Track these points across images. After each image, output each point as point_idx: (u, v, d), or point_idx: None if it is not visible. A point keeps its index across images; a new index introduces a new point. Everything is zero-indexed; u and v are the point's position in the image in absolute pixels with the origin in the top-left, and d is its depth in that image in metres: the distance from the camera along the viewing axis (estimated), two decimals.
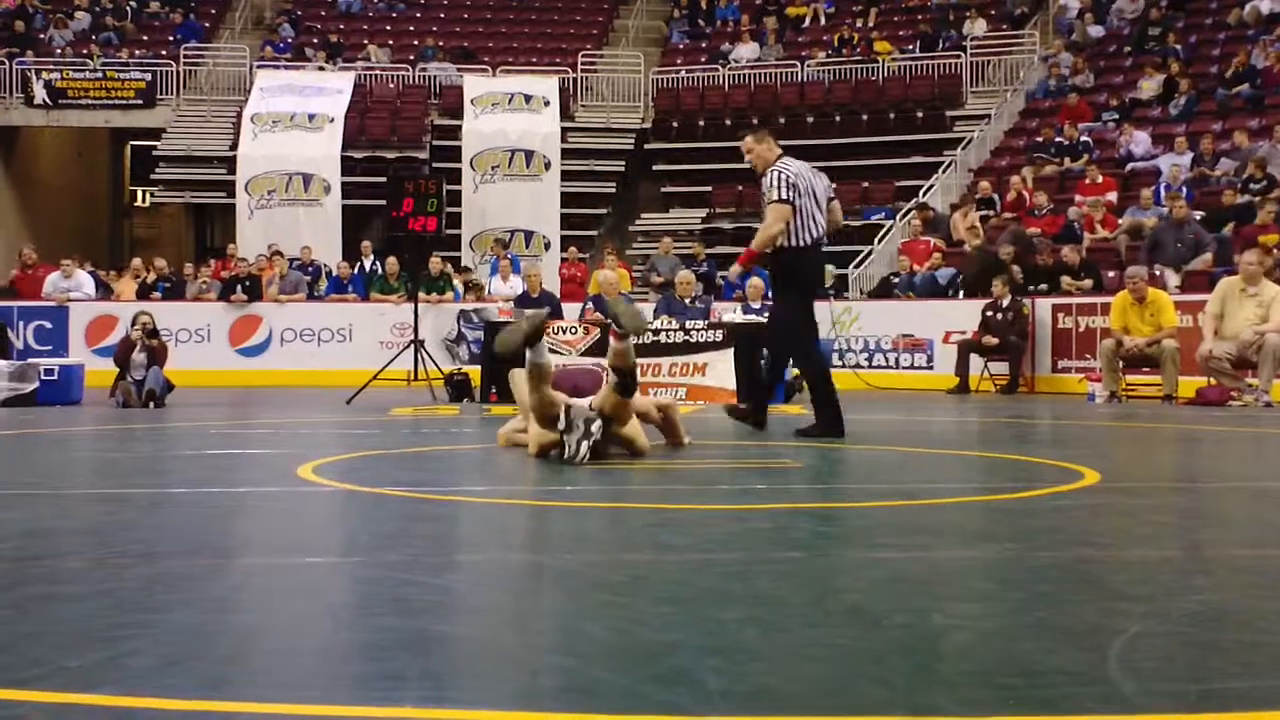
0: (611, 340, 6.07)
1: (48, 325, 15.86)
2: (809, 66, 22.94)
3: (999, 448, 7.58)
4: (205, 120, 22.70)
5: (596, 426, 5.75)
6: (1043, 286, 14.86)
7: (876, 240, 18.31)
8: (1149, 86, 19.46)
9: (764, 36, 24.25)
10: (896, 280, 16.47)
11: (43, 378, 11.32)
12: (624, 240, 21.16)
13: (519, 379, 6.46)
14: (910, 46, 23.17)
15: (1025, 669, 2.26)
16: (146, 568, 3.29)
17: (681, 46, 25.12)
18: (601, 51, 24.64)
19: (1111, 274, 14.70)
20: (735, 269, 7.70)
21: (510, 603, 2.94)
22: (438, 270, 16.75)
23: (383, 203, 14.46)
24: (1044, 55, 21.56)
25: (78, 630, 2.56)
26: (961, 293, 15.50)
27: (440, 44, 24.52)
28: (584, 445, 5.70)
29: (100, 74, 22.83)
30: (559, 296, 15.13)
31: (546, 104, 20.94)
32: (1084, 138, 18.68)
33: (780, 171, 7.51)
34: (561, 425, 5.78)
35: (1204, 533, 4.19)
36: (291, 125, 20.39)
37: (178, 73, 23.03)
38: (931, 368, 15.13)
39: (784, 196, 7.42)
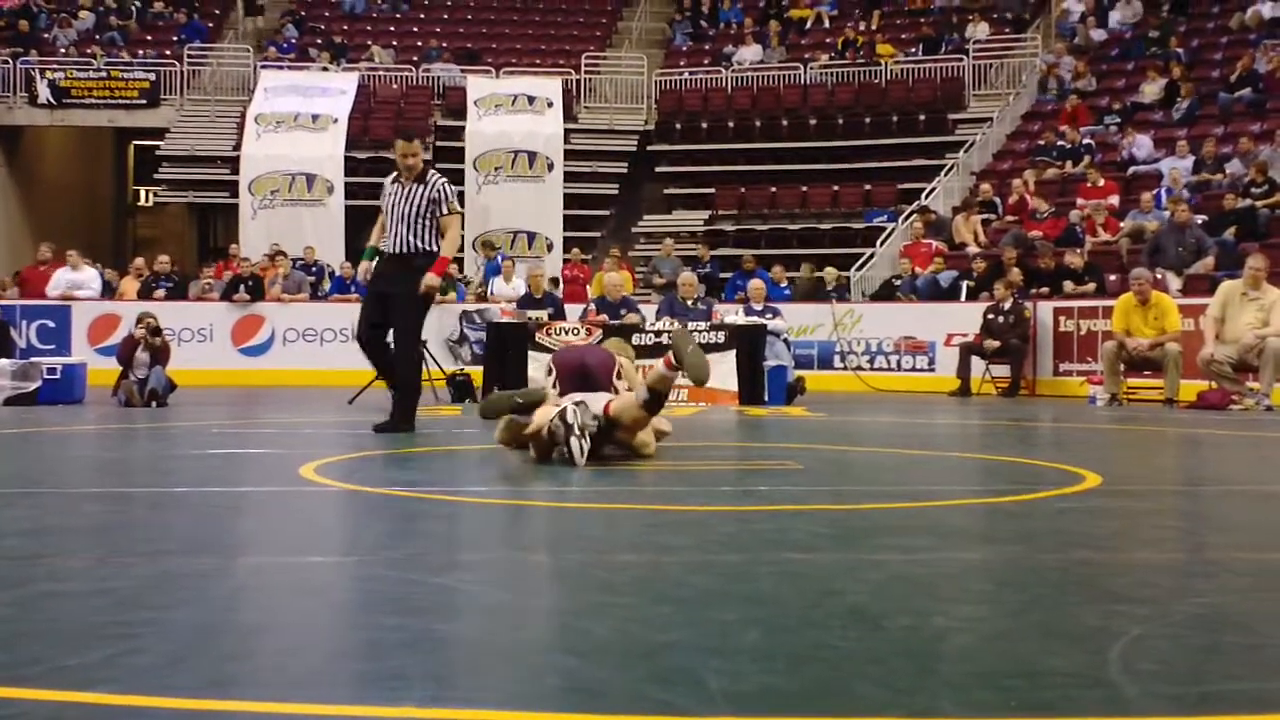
0: (662, 365, 5.94)
1: (50, 324, 15.88)
2: (812, 69, 22.94)
3: (1000, 450, 7.58)
4: (209, 120, 22.71)
5: (587, 423, 5.71)
6: (1044, 289, 14.87)
7: (878, 243, 18.31)
8: (1151, 90, 19.46)
9: (767, 39, 24.25)
10: (898, 283, 16.48)
11: (45, 376, 11.33)
12: (626, 242, 21.16)
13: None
14: (913, 49, 23.17)
15: (1026, 671, 2.27)
16: (149, 566, 3.29)
17: (684, 48, 25.13)
18: (604, 53, 24.65)
19: (1113, 277, 14.71)
20: (435, 280, 7.94)
21: (512, 602, 2.94)
22: None
23: None
24: (1046, 58, 21.56)
25: (80, 628, 2.57)
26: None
27: (444, 45, 24.53)
28: (580, 445, 5.67)
29: (104, 74, 22.85)
30: (561, 298, 15.14)
31: (550, 105, 20.96)
32: (1086, 141, 18.69)
33: (447, 182, 8.02)
34: (555, 424, 5.75)
35: (1205, 536, 4.19)
36: (295, 126, 20.41)
37: (181, 73, 23.04)
38: (933, 370, 15.13)
39: (460, 207, 8.04)
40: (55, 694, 2.07)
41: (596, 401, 6.01)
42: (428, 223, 7.88)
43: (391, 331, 8.08)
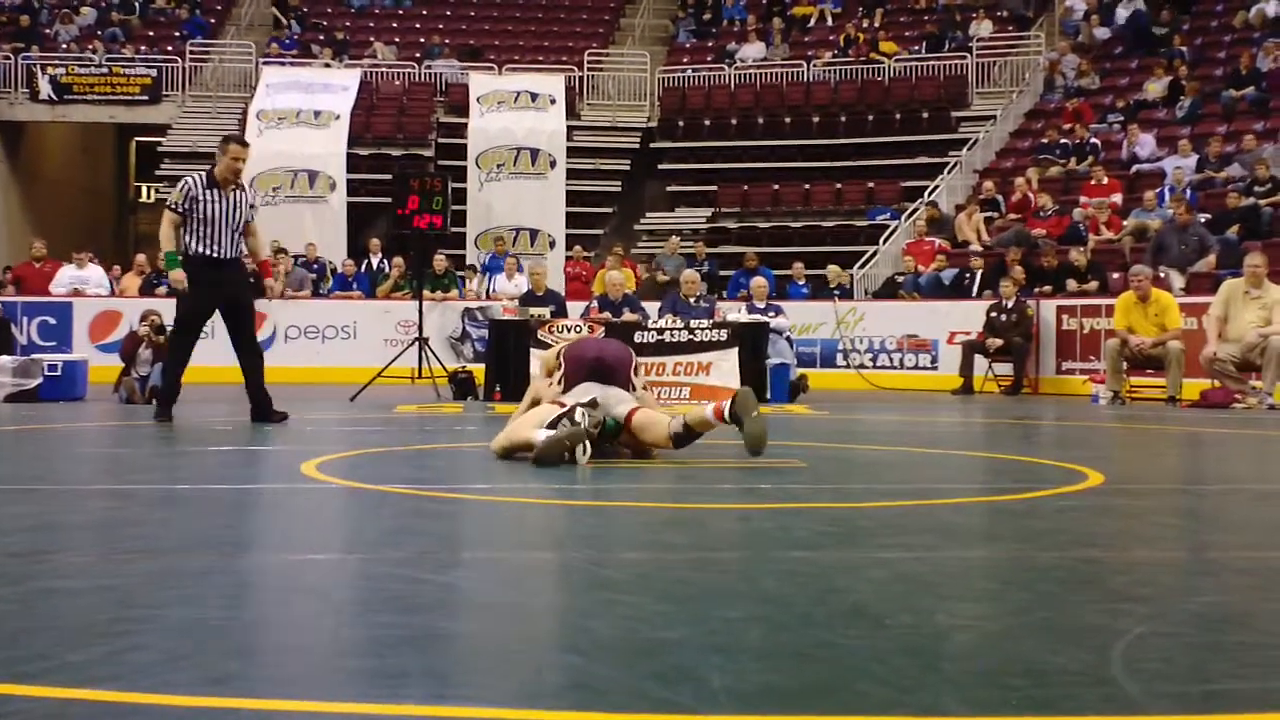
0: (711, 413, 5.77)
1: (51, 321, 15.89)
2: (815, 66, 22.94)
3: (1003, 448, 7.58)
4: (211, 116, 22.70)
5: (590, 429, 5.68)
6: (1047, 288, 14.86)
7: (881, 240, 18.30)
8: (1155, 88, 19.45)
9: (770, 36, 24.24)
10: (901, 280, 16.47)
11: (46, 373, 11.33)
12: (629, 239, 21.16)
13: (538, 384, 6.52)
14: (916, 47, 23.16)
15: (1029, 669, 2.26)
16: (150, 563, 3.29)
17: (688, 46, 25.12)
18: (608, 50, 24.64)
19: (1116, 275, 14.70)
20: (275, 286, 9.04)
21: (514, 600, 2.94)
22: (442, 268, 16.78)
23: (388, 200, 14.47)
24: (1049, 56, 21.54)
25: (81, 625, 2.56)
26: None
27: (446, 42, 24.53)
28: (584, 447, 5.66)
29: (106, 69, 22.86)
30: (564, 295, 15.14)
31: (552, 102, 20.95)
32: (1090, 139, 18.67)
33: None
34: (563, 426, 5.72)
35: (1207, 535, 4.19)
36: (297, 122, 20.39)
37: (183, 69, 23.05)
38: (936, 368, 15.13)
39: None
40: (57, 690, 2.07)
41: (617, 402, 5.96)
42: (244, 228, 8.33)
43: (240, 335, 8.57)
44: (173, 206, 8.25)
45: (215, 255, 8.18)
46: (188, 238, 8.21)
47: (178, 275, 8.24)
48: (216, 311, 8.52)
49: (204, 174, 8.31)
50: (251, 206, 8.38)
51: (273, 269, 16.70)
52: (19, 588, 2.95)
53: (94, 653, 2.32)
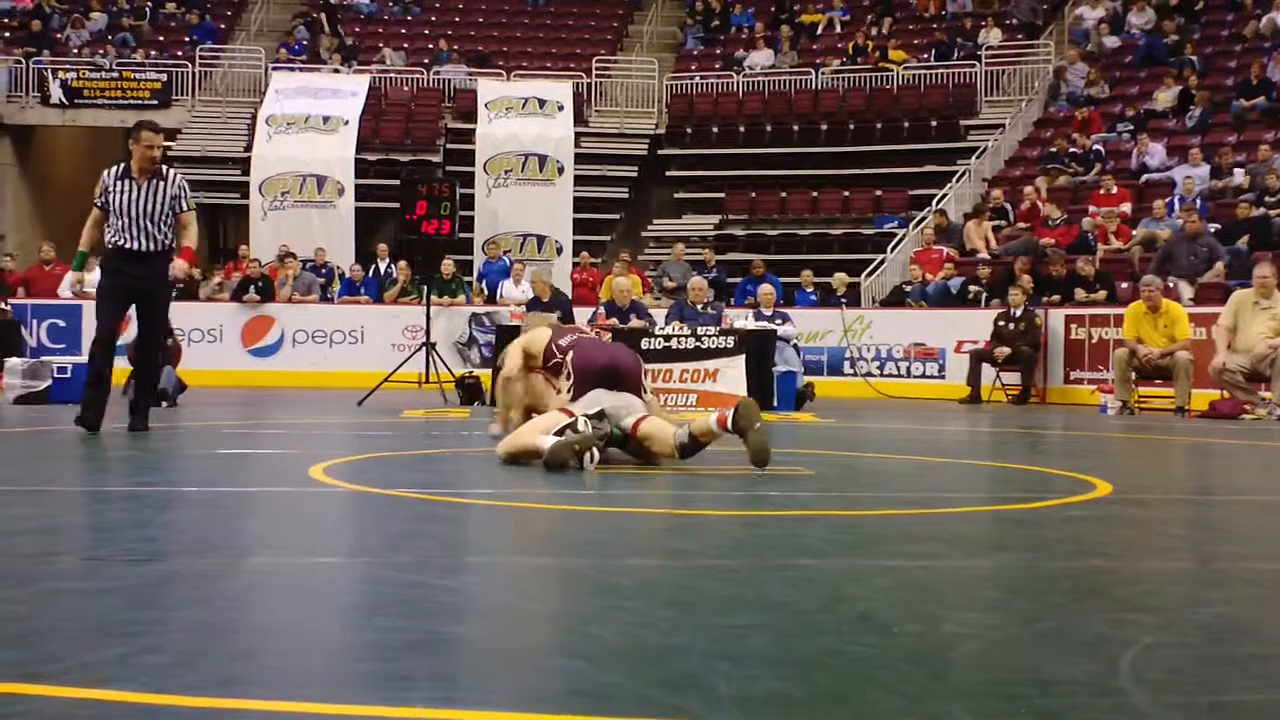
0: (715, 423, 5.76)
1: (61, 323, 15.93)
2: (823, 74, 22.93)
3: (1011, 458, 7.57)
4: (220, 121, 22.75)
5: (596, 441, 5.69)
6: (1055, 297, 14.84)
7: (889, 249, 18.28)
8: (1165, 98, 19.42)
9: (778, 43, 24.24)
10: (909, 289, 16.46)
11: (55, 375, 11.36)
12: (636, 246, 21.16)
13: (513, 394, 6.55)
14: (925, 55, 23.14)
15: (1037, 678, 2.26)
16: (159, 566, 3.30)
17: (696, 53, 25.12)
18: (616, 57, 24.66)
19: (1125, 285, 14.68)
20: (187, 266, 8.17)
21: (519, 605, 2.94)
22: (450, 273, 16.79)
23: (396, 205, 14.49)
24: (1059, 65, 21.52)
25: (92, 627, 2.57)
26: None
27: (455, 48, 24.56)
28: (591, 456, 5.66)
29: (116, 74, 22.90)
30: (570, 300, 15.13)
31: (560, 109, 20.97)
32: (1098, 148, 18.65)
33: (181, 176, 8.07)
34: (568, 436, 5.72)
35: (1216, 545, 4.18)
36: (306, 127, 20.43)
37: (193, 74, 23.10)
38: (943, 377, 15.11)
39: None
40: (67, 691, 2.07)
41: (627, 412, 5.96)
42: (171, 219, 7.89)
43: (144, 329, 8.17)
44: (95, 201, 8.01)
45: (125, 246, 7.79)
46: (106, 229, 7.91)
47: (74, 276, 8.19)
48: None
49: (121, 165, 8.04)
50: (175, 197, 7.90)
51: (278, 272, 16.94)
52: (29, 589, 2.95)
53: (105, 654, 2.33)
